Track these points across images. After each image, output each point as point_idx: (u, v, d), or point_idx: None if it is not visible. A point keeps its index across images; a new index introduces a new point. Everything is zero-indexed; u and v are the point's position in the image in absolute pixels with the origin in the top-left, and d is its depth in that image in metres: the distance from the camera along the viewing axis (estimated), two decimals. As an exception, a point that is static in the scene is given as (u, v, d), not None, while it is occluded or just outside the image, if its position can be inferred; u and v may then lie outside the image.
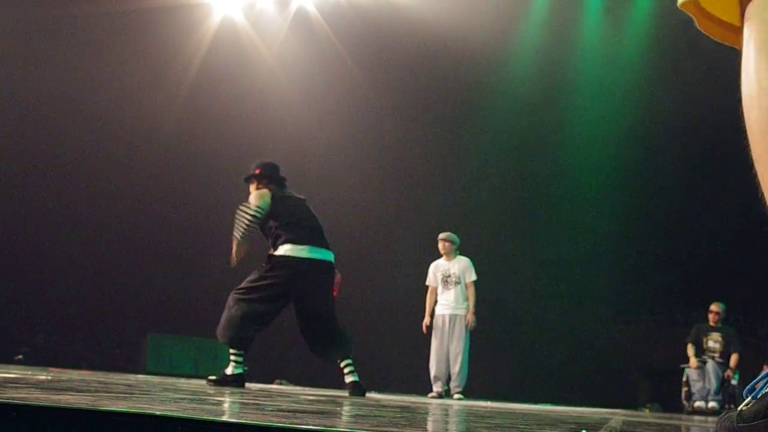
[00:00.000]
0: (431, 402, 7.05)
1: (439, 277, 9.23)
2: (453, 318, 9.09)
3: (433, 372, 9.08)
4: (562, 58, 13.22)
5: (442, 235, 9.29)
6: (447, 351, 9.02)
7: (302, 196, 6.43)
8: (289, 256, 6.03)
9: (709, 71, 12.07)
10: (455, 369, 8.95)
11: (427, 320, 9.18)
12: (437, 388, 9.04)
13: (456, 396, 8.89)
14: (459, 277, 9.12)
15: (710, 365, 10.43)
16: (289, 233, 6.07)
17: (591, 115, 13.33)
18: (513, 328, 12.82)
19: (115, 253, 12.95)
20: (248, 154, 13.62)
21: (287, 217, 6.15)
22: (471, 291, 9.11)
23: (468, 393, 9.22)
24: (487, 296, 12.85)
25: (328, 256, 6.21)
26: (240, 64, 13.53)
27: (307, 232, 6.15)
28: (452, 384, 8.98)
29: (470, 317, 9.04)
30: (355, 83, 13.29)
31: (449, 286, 9.14)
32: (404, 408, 4.00)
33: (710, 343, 10.74)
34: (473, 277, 9.13)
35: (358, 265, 11.83)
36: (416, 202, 13.45)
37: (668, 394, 11.20)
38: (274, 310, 6.10)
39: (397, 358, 11.32)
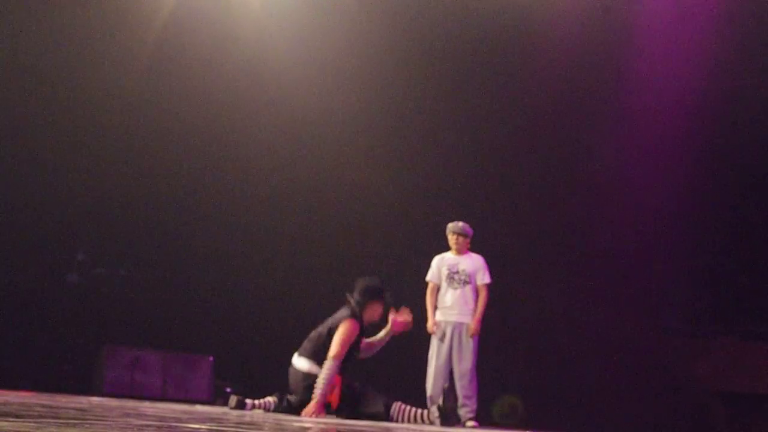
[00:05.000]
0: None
1: (444, 272, 9.13)
2: (458, 327, 9.02)
3: (429, 391, 9.02)
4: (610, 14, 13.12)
5: (453, 227, 9.21)
6: (450, 367, 8.95)
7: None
8: None
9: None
10: (465, 390, 8.86)
11: (432, 322, 9.11)
12: (435, 411, 8.97)
13: (470, 424, 8.82)
14: (469, 276, 9.03)
15: (806, 390, 10.30)
16: None
17: (649, 84, 13.20)
18: (551, 341, 12.76)
19: (62, 247, 12.87)
20: (231, 122, 13.60)
21: None
22: (483, 296, 9.04)
23: (489, 419, 9.20)
24: (514, 300, 12.82)
25: (297, 360, 8.39)
26: (221, 9, 13.40)
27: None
28: (463, 410, 8.89)
29: (475, 325, 8.92)
30: (360, 34, 13.18)
31: (455, 286, 9.08)
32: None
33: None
34: (487, 279, 9.07)
35: (346, 266, 11.82)
36: (433, 184, 13.41)
37: (752, 425, 11.16)
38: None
39: (403, 377, 11.22)
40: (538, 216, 13.49)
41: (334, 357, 7.97)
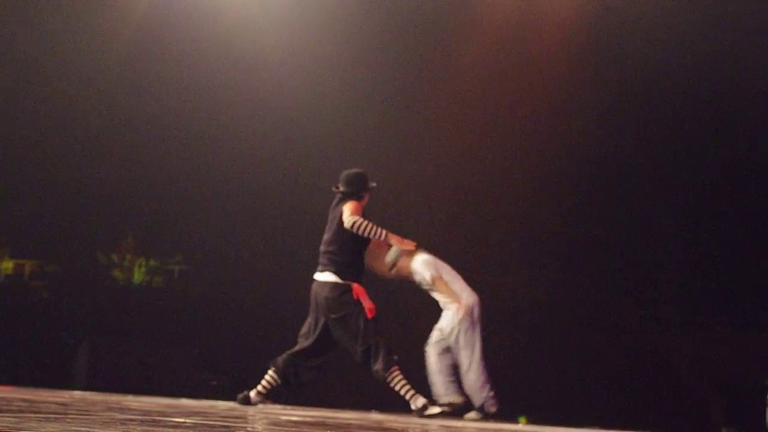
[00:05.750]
0: (438, 424, 6.99)
1: None
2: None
3: None
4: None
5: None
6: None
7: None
8: None
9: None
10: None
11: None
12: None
13: (471, 415, 8.87)
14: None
15: (804, 380, 10.35)
16: None
17: (643, 63, 13.20)
18: (546, 332, 12.79)
19: (38, 237, 12.85)
20: (216, 112, 13.54)
21: None
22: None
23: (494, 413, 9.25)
24: (507, 290, 12.85)
25: (320, 276, 7.66)
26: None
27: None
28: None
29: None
30: (357, 18, 13.15)
31: None
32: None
33: (804, 356, 10.67)
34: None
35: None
36: (425, 174, 13.42)
37: (749, 416, 11.20)
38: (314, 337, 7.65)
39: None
40: (532, 204, 13.51)
41: (353, 215, 7.45)
